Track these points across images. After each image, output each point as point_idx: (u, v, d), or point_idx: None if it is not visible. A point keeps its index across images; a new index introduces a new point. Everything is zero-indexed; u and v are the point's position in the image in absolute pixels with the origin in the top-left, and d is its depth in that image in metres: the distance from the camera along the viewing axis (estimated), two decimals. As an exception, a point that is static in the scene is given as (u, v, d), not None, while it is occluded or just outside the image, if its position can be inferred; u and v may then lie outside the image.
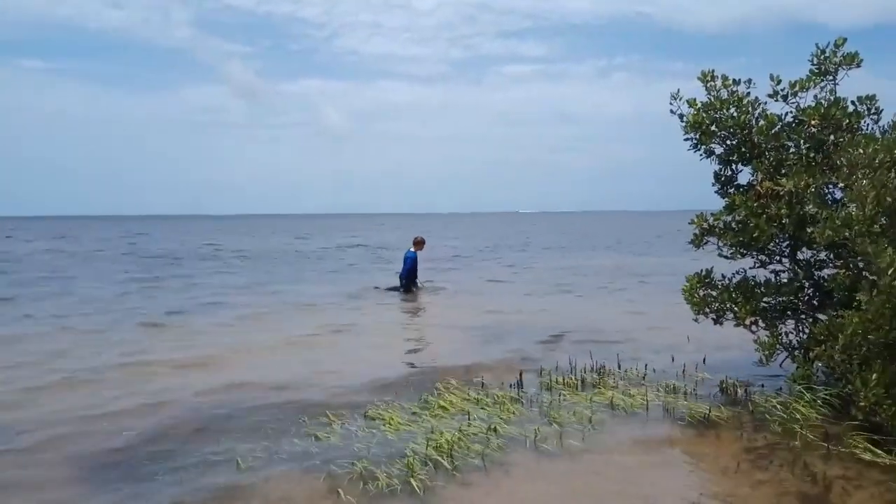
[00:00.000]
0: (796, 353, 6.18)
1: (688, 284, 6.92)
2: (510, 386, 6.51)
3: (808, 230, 6.00)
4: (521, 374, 6.71)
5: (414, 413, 5.69)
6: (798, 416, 5.19)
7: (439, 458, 4.65)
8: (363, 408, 5.88)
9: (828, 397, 5.28)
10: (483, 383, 6.59)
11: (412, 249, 14.63)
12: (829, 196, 6.30)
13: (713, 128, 6.63)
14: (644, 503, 4.11)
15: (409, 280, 14.63)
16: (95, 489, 4.39)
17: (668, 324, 9.95)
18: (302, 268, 22.99)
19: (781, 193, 6.00)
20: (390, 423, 5.39)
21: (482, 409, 5.77)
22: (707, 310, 6.70)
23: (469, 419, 5.43)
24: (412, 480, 4.33)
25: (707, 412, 5.49)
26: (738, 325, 6.44)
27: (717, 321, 6.68)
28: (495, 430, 5.20)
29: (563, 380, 6.61)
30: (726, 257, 6.59)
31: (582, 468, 4.65)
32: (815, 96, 6.27)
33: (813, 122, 6.23)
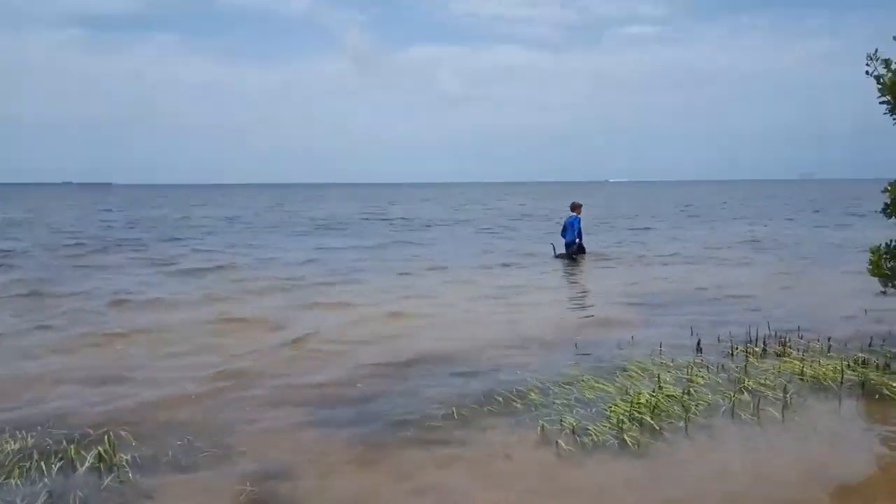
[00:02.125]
0: None
1: (873, 256, 6.74)
2: (693, 351, 6.61)
3: None
4: (699, 341, 6.81)
5: (606, 374, 5.91)
6: None
7: (643, 417, 4.88)
8: (553, 367, 6.18)
9: None
10: (661, 348, 6.71)
11: (574, 214, 15.09)
12: None
13: (912, 91, 6.37)
14: (854, 472, 4.17)
15: (578, 244, 15.07)
16: (319, 430, 4.92)
17: (832, 296, 9.66)
18: (468, 235, 23.71)
19: None
20: (584, 383, 5.66)
21: (668, 372, 5.92)
22: (897, 281, 6.53)
23: (659, 382, 5.59)
24: (625, 436, 4.58)
25: (910, 387, 5.39)
26: (932, 297, 6.24)
27: (905, 293, 6.49)
28: (689, 392, 5.36)
29: (746, 348, 6.62)
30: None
31: (784, 437, 4.72)
32: None
33: None
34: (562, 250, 15.19)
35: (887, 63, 6.47)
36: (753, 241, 19.36)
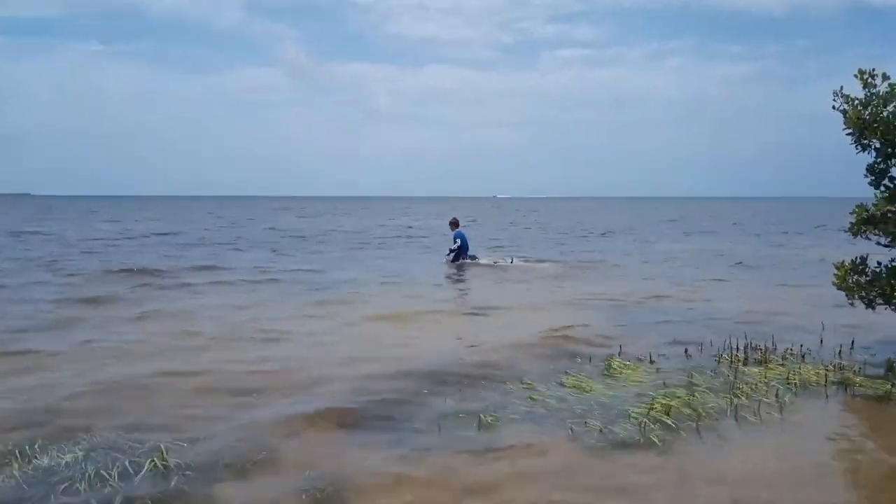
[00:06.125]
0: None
1: (839, 272, 7.35)
2: (680, 358, 7.07)
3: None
4: (686, 349, 7.28)
5: (608, 382, 6.26)
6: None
7: (661, 418, 5.24)
8: (556, 376, 6.49)
9: None
10: (651, 357, 7.13)
11: (459, 229, 17.65)
12: None
13: (874, 124, 7.04)
14: (856, 464, 4.64)
15: (461, 255, 17.31)
16: (357, 439, 5.07)
17: (784, 308, 10.38)
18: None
19: (952, 186, 6.40)
20: (594, 391, 5.99)
21: (666, 379, 6.32)
22: (863, 293, 7.15)
23: (664, 388, 5.98)
24: (650, 436, 4.93)
25: (890, 387, 5.96)
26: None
27: (869, 305, 7.12)
28: (694, 395, 5.76)
29: (731, 356, 7.10)
30: (886, 245, 7.02)
31: (787, 435, 5.16)
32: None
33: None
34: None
35: (849, 99, 7.14)
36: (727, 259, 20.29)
